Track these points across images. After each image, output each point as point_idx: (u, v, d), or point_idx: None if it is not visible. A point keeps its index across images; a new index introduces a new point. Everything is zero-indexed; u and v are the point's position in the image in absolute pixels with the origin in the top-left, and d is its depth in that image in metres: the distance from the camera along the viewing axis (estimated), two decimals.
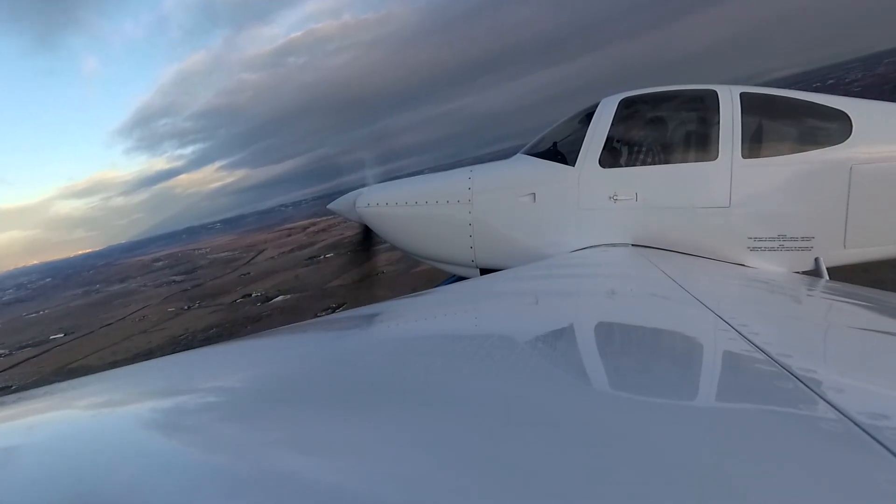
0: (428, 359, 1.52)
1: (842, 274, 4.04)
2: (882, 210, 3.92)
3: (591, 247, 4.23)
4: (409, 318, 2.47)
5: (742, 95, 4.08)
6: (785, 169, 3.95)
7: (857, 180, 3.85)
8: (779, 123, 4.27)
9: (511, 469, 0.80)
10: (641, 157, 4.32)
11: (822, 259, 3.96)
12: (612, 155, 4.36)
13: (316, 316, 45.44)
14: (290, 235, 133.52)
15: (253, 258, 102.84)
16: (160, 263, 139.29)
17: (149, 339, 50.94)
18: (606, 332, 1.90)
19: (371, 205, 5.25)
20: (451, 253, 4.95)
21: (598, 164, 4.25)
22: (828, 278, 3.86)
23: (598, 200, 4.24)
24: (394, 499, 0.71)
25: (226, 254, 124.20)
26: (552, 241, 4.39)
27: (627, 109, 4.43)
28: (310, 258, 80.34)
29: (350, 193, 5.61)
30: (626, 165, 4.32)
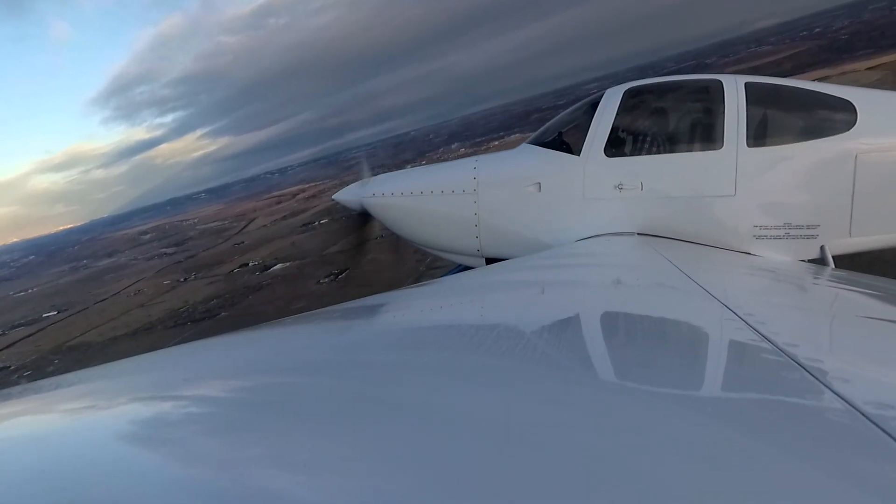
0: (436, 349, 1.52)
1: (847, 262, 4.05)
2: (887, 198, 3.93)
3: (597, 236, 4.23)
4: (416, 308, 2.46)
5: (747, 85, 4.08)
6: (790, 158, 3.97)
7: (862, 169, 3.85)
8: (784, 113, 4.32)
9: (522, 455, 0.80)
10: (646, 146, 4.34)
11: (827, 247, 3.96)
12: (618, 144, 4.39)
13: (318, 283, 44.60)
14: (279, 203, 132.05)
15: (244, 227, 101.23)
16: (148, 236, 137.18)
17: (148, 314, 49.72)
18: (612, 322, 1.90)
19: (377, 195, 5.30)
20: (456, 243, 4.99)
21: (603, 154, 4.28)
22: (833, 267, 3.87)
23: (604, 190, 4.26)
24: (408, 484, 0.72)
25: (215, 224, 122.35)
26: (558, 231, 4.42)
27: (632, 99, 4.47)
28: (304, 225, 79.34)
29: (355, 184, 5.73)
30: (632, 155, 4.36)
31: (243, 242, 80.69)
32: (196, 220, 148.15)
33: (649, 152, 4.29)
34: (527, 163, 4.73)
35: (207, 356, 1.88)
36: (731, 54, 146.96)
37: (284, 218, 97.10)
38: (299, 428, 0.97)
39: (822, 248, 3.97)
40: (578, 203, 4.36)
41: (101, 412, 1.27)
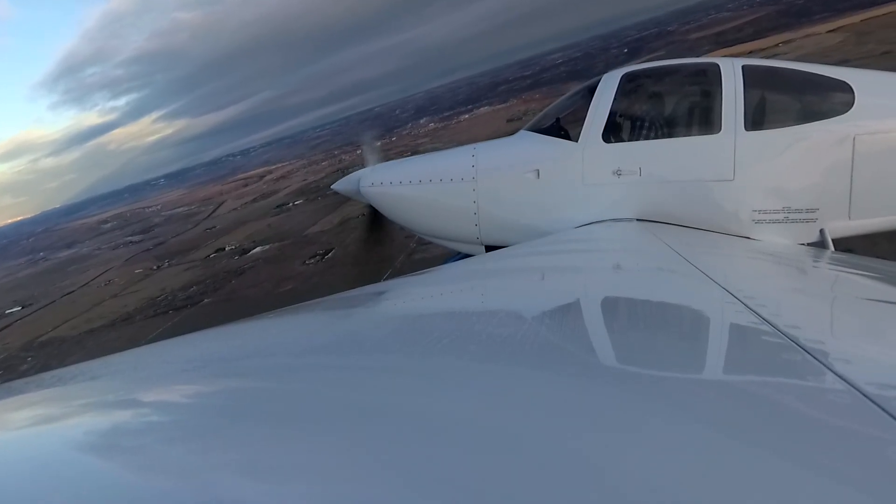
0: (438, 336, 1.53)
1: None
2: (886, 180, 3.91)
3: (596, 222, 4.23)
4: (416, 295, 2.45)
5: (744, 68, 4.07)
6: (788, 141, 3.94)
7: (861, 151, 3.83)
8: (781, 95, 4.32)
9: (525, 440, 0.81)
10: (644, 131, 4.33)
11: (827, 230, 3.95)
12: (616, 130, 4.39)
13: (304, 264, 43.89)
14: (246, 185, 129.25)
15: (213, 211, 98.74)
16: (109, 225, 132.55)
17: (124, 303, 48.17)
18: (613, 307, 1.91)
19: (375, 184, 5.26)
20: (456, 231, 4.99)
21: (601, 140, 4.25)
22: (833, 250, 3.87)
23: (602, 176, 4.25)
24: (415, 475, 0.71)
25: (181, 209, 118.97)
26: (557, 218, 4.41)
27: (630, 84, 4.45)
28: (278, 206, 78.12)
29: (354, 173, 5.68)
30: (630, 140, 4.34)
31: (215, 227, 78.72)
32: (159, 207, 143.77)
33: (647, 137, 4.28)
34: (525, 150, 4.72)
35: (201, 350, 1.84)
36: (692, 21, 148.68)
37: (255, 200, 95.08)
38: (297, 427, 0.93)
39: (821, 231, 3.97)
40: (577, 189, 4.34)
41: (69, 418, 1.23)
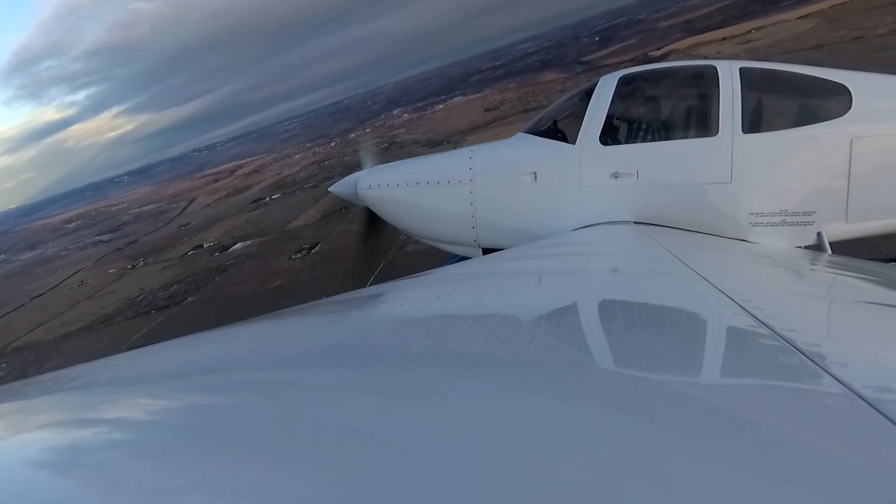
0: (434, 340, 1.53)
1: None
2: (884, 183, 3.90)
3: (593, 225, 4.21)
4: (414, 298, 2.45)
5: (742, 70, 4.06)
6: (786, 143, 3.94)
7: (858, 154, 3.83)
8: (779, 98, 4.32)
9: (523, 443, 0.80)
10: (642, 134, 4.33)
11: (824, 233, 3.95)
12: (613, 132, 4.39)
13: (290, 259, 42.91)
14: (217, 181, 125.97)
15: (185, 208, 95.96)
16: (73, 224, 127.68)
17: (101, 305, 46.30)
18: (609, 310, 1.90)
19: (372, 186, 5.24)
20: (453, 233, 4.98)
21: (598, 142, 4.25)
22: (830, 253, 3.88)
23: (600, 178, 4.24)
24: (417, 477, 0.71)
25: (150, 207, 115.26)
26: (554, 220, 4.40)
27: (627, 87, 4.47)
28: (254, 201, 76.37)
29: (351, 176, 5.68)
30: (627, 143, 4.34)
31: (190, 224, 76.44)
32: (126, 205, 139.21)
33: (644, 140, 4.29)
34: (522, 152, 4.72)
35: (201, 353, 1.82)
36: (661, 9, 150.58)
37: (228, 196, 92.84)
38: (296, 433, 0.92)
39: (818, 234, 3.97)
40: (574, 192, 4.35)
41: (54, 424, 1.19)
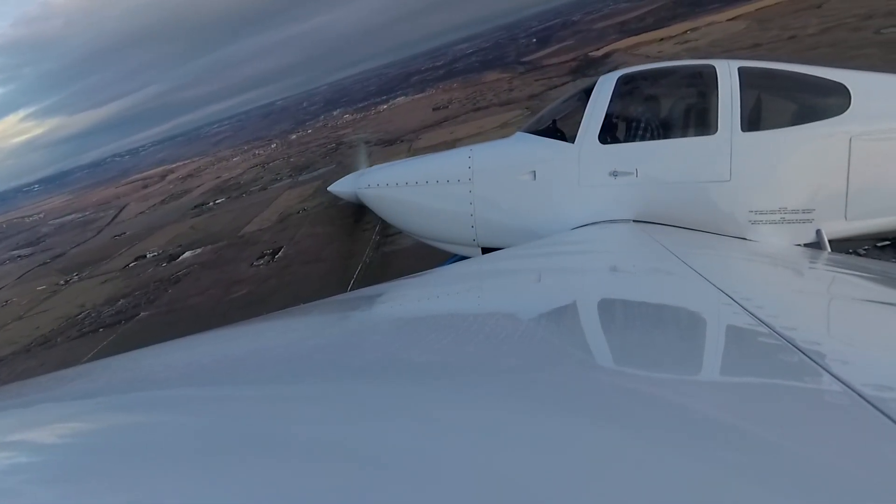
0: (435, 338, 1.54)
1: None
2: (883, 181, 3.96)
3: (593, 224, 4.25)
4: (413, 298, 2.46)
5: (741, 69, 4.10)
6: (785, 142, 3.99)
7: (857, 152, 3.87)
8: (778, 96, 4.38)
9: (523, 442, 0.80)
10: (641, 132, 4.37)
11: (823, 231, 3.99)
12: (612, 131, 4.44)
13: (252, 265, 40.54)
14: (146, 187, 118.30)
15: (116, 216, 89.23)
16: None
17: (35, 325, 41.95)
18: (609, 309, 1.92)
19: (371, 186, 5.27)
20: (452, 232, 5.01)
21: (597, 141, 4.28)
22: (829, 251, 3.92)
23: (599, 177, 4.28)
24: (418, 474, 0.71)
25: (72, 216, 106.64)
26: (553, 219, 4.43)
27: (626, 86, 4.50)
28: (196, 206, 72.13)
29: (350, 175, 5.71)
30: (626, 141, 4.39)
31: (125, 233, 71.07)
32: (42, 215, 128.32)
33: (644, 138, 4.33)
34: (521, 151, 4.75)
35: (201, 354, 1.80)
36: (593, 11, 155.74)
37: (164, 202, 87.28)
38: (295, 433, 0.90)
39: (818, 231, 4.00)
40: (573, 191, 4.38)
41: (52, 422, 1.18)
